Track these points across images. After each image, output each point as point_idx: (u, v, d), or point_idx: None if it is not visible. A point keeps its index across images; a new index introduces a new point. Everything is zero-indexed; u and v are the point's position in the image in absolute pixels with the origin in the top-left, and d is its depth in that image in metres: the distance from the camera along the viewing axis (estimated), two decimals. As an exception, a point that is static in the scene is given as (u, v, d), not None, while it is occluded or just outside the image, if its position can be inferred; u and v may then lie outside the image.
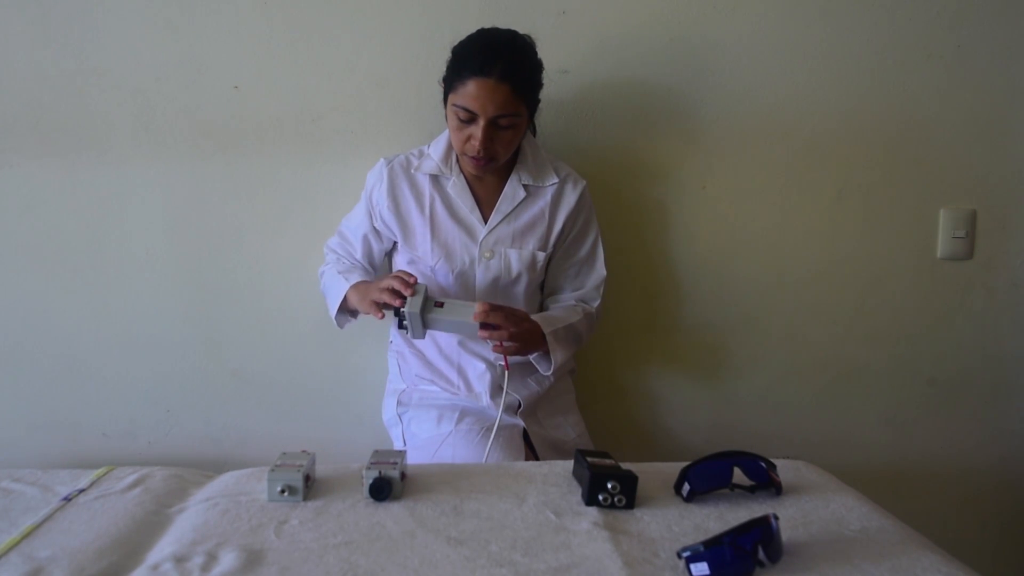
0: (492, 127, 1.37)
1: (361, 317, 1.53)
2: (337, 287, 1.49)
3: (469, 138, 1.38)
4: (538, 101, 1.48)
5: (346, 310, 1.51)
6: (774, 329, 1.80)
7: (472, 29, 1.42)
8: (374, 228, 1.53)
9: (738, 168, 1.73)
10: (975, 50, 1.72)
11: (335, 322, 1.52)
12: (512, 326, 1.34)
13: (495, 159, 1.42)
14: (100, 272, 1.67)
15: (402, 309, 1.32)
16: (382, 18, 1.62)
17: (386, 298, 1.34)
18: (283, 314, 1.70)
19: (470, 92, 1.34)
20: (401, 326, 1.36)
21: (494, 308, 1.33)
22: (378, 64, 1.63)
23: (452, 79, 1.39)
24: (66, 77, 1.60)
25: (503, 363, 1.39)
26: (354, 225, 1.55)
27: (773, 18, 1.68)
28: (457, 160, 1.50)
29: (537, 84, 1.45)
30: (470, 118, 1.37)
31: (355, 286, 1.46)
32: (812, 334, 1.80)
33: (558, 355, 1.43)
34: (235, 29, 1.61)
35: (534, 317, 1.43)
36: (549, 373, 1.46)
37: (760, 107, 1.71)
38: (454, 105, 1.38)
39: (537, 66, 1.43)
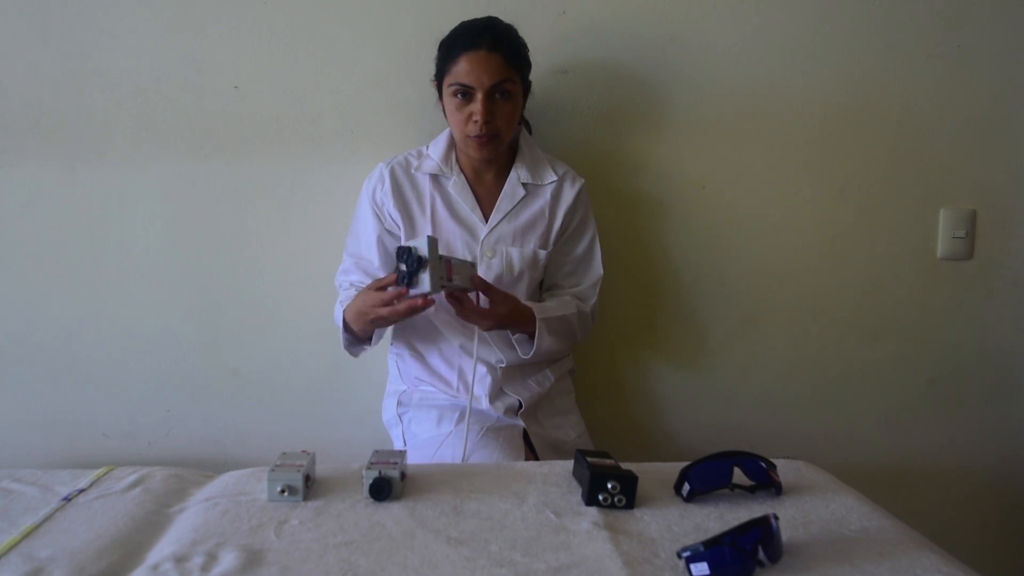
0: (490, 100, 1.38)
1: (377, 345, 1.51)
2: (336, 317, 1.47)
3: (470, 116, 1.39)
4: (529, 82, 1.48)
5: (357, 340, 1.47)
6: (774, 329, 1.80)
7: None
8: (386, 230, 1.51)
9: (738, 168, 1.73)
10: (975, 50, 1.72)
11: (349, 354, 1.49)
12: (486, 316, 1.35)
13: (498, 136, 1.42)
14: (100, 272, 1.67)
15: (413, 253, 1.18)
16: (382, 18, 1.62)
17: (386, 313, 1.29)
18: (283, 314, 1.70)
19: (463, 68, 1.37)
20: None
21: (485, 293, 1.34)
22: (378, 64, 1.63)
23: (444, 65, 1.42)
24: (66, 77, 1.60)
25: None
26: (363, 236, 1.52)
27: (773, 18, 1.68)
28: (457, 159, 1.50)
29: (526, 59, 1.46)
30: (468, 94, 1.38)
31: (347, 310, 1.41)
32: (812, 333, 1.80)
33: (544, 340, 1.43)
34: (235, 29, 1.61)
35: (529, 304, 1.44)
36: (528, 356, 1.46)
37: (760, 107, 1.71)
38: (450, 86, 1.40)
39: (523, 43, 1.45)
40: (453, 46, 1.41)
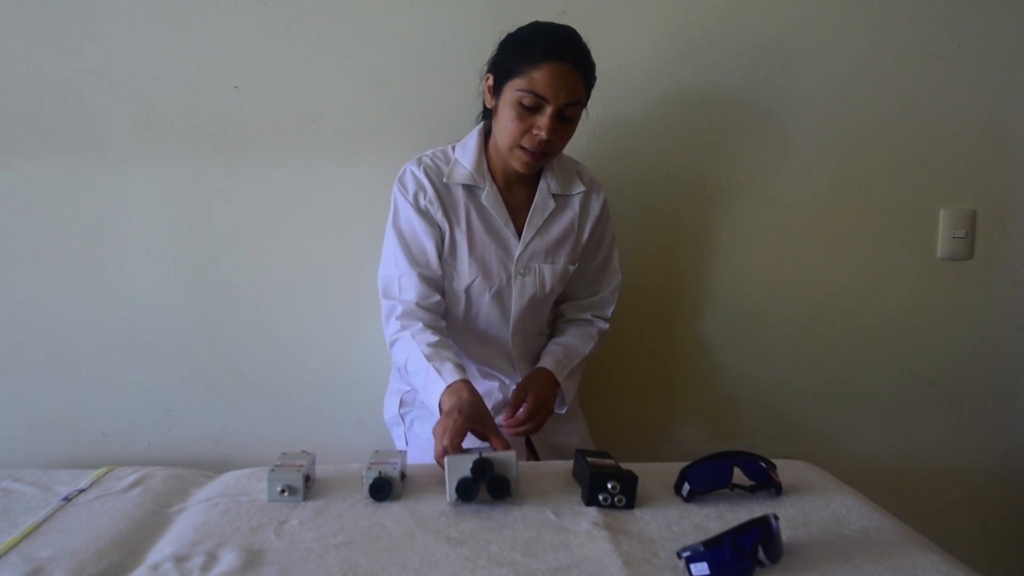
0: (557, 117, 1.28)
1: None
2: (429, 384, 1.26)
3: (530, 128, 1.29)
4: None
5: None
6: (774, 329, 1.80)
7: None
8: (441, 237, 1.38)
9: (737, 168, 1.73)
10: (975, 50, 1.72)
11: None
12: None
13: (550, 154, 1.34)
14: (100, 272, 1.67)
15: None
16: (382, 18, 1.62)
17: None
18: (283, 314, 1.70)
19: (543, 77, 1.25)
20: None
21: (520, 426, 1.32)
22: (378, 64, 1.63)
23: (518, 63, 1.28)
24: (66, 77, 1.60)
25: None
26: (415, 246, 1.37)
27: (772, 18, 1.68)
28: (489, 168, 1.41)
29: (593, 86, 1.36)
30: (537, 105, 1.27)
31: (445, 397, 1.22)
32: (812, 333, 1.80)
33: (570, 395, 1.43)
34: (235, 29, 1.61)
35: (546, 365, 1.40)
36: (563, 411, 1.44)
37: (760, 107, 1.71)
38: (519, 90, 1.27)
39: (594, 67, 1.35)
40: (533, 49, 1.27)
